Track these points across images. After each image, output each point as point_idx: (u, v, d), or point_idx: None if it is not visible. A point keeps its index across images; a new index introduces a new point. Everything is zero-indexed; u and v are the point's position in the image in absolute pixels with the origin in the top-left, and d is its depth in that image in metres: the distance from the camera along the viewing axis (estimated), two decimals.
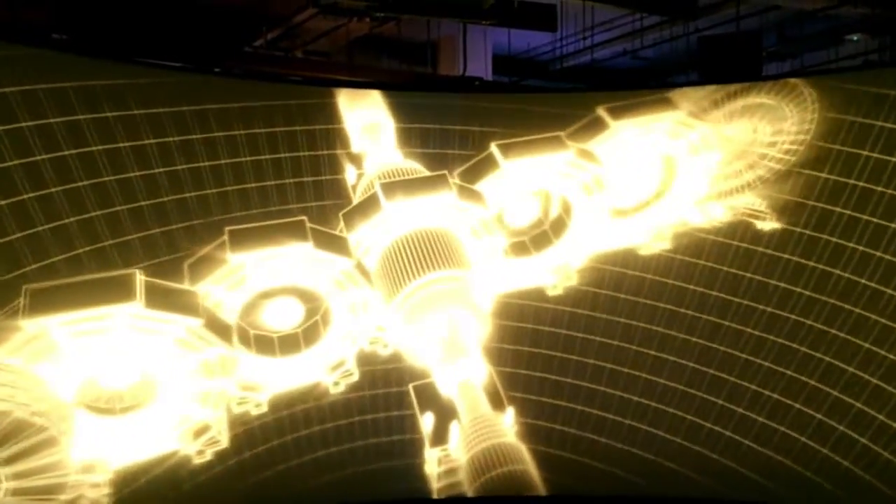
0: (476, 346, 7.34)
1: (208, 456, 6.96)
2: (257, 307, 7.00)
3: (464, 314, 7.23)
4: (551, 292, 7.61)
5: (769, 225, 6.89)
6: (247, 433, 7.12)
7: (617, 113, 7.28)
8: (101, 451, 6.39)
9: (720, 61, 7.53)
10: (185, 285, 6.51)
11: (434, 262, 7.04)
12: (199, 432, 6.97)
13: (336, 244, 7.07)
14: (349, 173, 7.14)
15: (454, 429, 7.20)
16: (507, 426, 7.23)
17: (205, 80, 6.91)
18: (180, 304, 6.41)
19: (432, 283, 7.00)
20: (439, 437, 7.20)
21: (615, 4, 8.29)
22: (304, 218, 6.86)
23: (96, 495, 6.41)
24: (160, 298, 6.30)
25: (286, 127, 6.90)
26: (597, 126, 7.30)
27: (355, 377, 7.40)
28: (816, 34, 9.32)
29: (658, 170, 7.41)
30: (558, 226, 7.61)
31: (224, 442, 6.99)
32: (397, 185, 7.12)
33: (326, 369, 7.36)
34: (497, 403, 7.30)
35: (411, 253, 7.06)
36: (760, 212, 6.95)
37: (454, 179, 7.25)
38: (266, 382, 7.22)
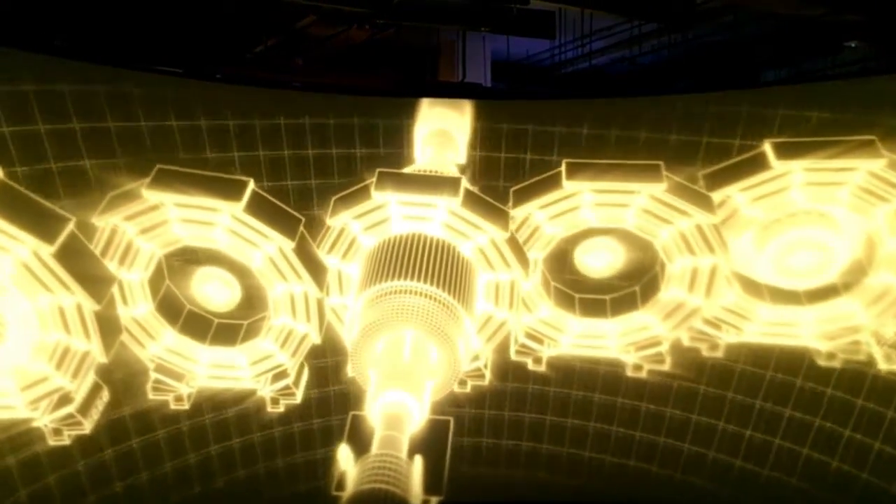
0: (427, 386, 5.89)
1: (65, 439, 5.94)
2: (185, 273, 6.31)
3: (426, 342, 5.86)
4: (631, 373, 6.18)
5: None
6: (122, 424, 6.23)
7: (786, 151, 5.46)
8: None
9: (718, 68, 7.57)
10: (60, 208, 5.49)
11: (410, 270, 5.88)
12: (58, 404, 5.89)
13: (278, 219, 6.11)
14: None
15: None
16: (411, 478, 5.71)
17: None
18: (34, 222, 5.37)
19: (399, 292, 5.83)
20: (342, 483, 5.93)
21: (613, 12, 8.33)
22: (251, 179, 6.12)
23: None
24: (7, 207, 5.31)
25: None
26: (752, 165, 5.56)
27: (297, 399, 6.54)
28: (814, 41, 9.34)
29: (846, 244, 5.41)
30: (649, 287, 6.02)
31: (86, 427, 5.95)
32: (392, 176, 6.27)
33: (263, 378, 6.47)
34: (414, 452, 5.83)
35: (392, 254, 6.10)
36: None
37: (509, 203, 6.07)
38: (190, 372, 6.33)
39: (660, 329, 5.95)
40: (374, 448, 5.47)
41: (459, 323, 5.95)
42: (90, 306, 5.59)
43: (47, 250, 5.39)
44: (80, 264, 5.58)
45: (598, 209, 5.89)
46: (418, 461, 5.49)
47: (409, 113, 6.39)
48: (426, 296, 5.82)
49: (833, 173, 5.32)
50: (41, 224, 5.45)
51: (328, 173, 6.52)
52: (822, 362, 5.68)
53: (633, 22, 8.97)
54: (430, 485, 5.74)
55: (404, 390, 5.65)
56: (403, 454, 5.40)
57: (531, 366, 6.47)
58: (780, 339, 5.66)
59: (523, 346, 6.46)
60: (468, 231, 6.15)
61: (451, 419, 6.38)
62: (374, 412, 5.74)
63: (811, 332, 5.56)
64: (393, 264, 5.98)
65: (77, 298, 5.55)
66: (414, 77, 9.43)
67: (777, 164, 5.45)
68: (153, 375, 6.27)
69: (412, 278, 5.88)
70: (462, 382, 6.53)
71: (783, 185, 5.44)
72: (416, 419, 5.73)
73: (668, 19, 8.39)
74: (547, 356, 6.43)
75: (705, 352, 5.99)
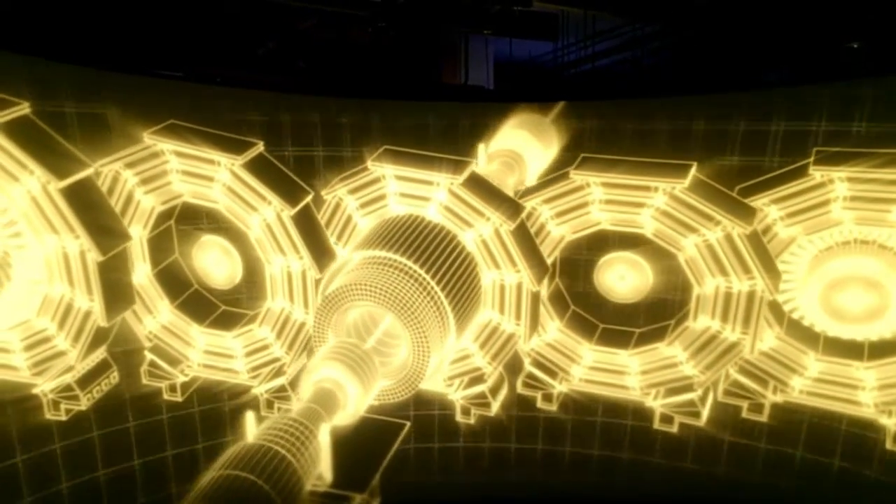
0: (377, 383, 5.27)
1: (62, 413, 5.74)
2: (187, 236, 6.18)
3: (400, 335, 5.31)
4: (659, 425, 5.31)
5: None
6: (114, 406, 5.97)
7: (830, 161, 4.79)
8: None
9: (719, 68, 7.57)
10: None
11: (405, 248, 5.37)
12: (58, 371, 5.66)
13: (282, 185, 5.88)
14: None
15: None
16: (315, 455, 4.92)
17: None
18: (50, 158, 5.40)
19: (386, 265, 5.29)
20: None
21: (615, 14, 8.33)
22: (261, 142, 5.96)
23: None
24: (23, 138, 5.38)
25: None
26: (793, 176, 4.92)
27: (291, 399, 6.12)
28: (815, 40, 9.31)
29: None
30: (683, 319, 5.28)
31: (83, 403, 5.71)
32: (393, 153, 6.00)
33: (259, 374, 6.16)
34: (355, 445, 5.22)
35: (392, 227, 5.72)
36: None
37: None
38: (188, 356, 6.10)
39: (689, 368, 5.13)
40: (291, 413, 4.91)
41: (444, 323, 5.39)
42: (95, 256, 5.41)
43: (56, 185, 5.32)
44: (92, 212, 5.49)
45: (609, 207, 5.25)
46: (326, 437, 4.74)
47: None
48: (417, 282, 5.29)
49: (881, 187, 4.55)
50: (58, 162, 5.46)
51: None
52: (890, 446, 4.64)
53: (635, 23, 8.97)
54: (355, 480, 5.13)
55: (349, 373, 5.02)
56: (319, 432, 4.71)
57: (540, 403, 5.83)
58: (831, 404, 4.67)
59: (531, 376, 5.78)
60: (470, 217, 5.66)
61: (408, 424, 5.86)
62: (307, 380, 5.14)
63: (870, 399, 4.63)
64: (391, 237, 5.57)
65: (81, 244, 5.39)
66: (417, 79, 9.44)
67: (815, 172, 4.80)
68: (148, 356, 6.04)
69: (407, 257, 5.38)
70: (465, 411, 6.00)
71: (822, 197, 4.74)
72: (349, 409, 5.07)
73: (669, 20, 8.39)
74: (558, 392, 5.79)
75: (746, 413, 5.12)
